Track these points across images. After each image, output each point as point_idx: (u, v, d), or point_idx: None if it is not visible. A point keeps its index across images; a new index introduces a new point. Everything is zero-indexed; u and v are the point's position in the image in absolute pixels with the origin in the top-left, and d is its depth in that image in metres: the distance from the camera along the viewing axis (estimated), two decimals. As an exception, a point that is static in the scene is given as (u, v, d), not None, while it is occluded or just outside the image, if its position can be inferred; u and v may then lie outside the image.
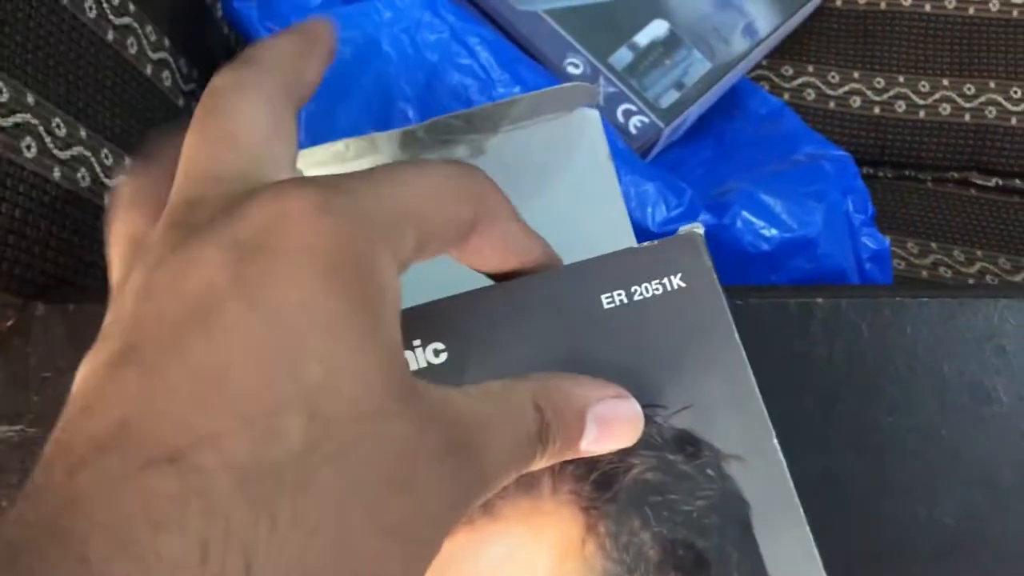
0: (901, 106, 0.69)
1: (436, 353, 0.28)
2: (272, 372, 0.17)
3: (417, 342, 0.28)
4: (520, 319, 0.28)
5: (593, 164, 0.38)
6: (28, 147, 0.37)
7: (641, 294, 0.28)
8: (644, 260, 0.29)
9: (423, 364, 0.27)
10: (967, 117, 0.68)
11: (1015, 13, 0.69)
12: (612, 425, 0.25)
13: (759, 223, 0.47)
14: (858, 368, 0.36)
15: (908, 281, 0.62)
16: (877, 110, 0.68)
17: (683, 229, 0.29)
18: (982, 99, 0.68)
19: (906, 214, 0.67)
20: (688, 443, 0.27)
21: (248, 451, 0.17)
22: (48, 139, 0.38)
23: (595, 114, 0.38)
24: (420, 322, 0.28)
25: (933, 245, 0.66)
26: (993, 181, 0.69)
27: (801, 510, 0.27)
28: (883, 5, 0.69)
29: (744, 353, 0.28)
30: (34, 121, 0.37)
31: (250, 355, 0.17)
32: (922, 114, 0.68)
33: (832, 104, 0.69)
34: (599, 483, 0.27)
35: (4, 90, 0.36)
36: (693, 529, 0.27)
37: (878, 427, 0.36)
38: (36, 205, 0.37)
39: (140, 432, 0.17)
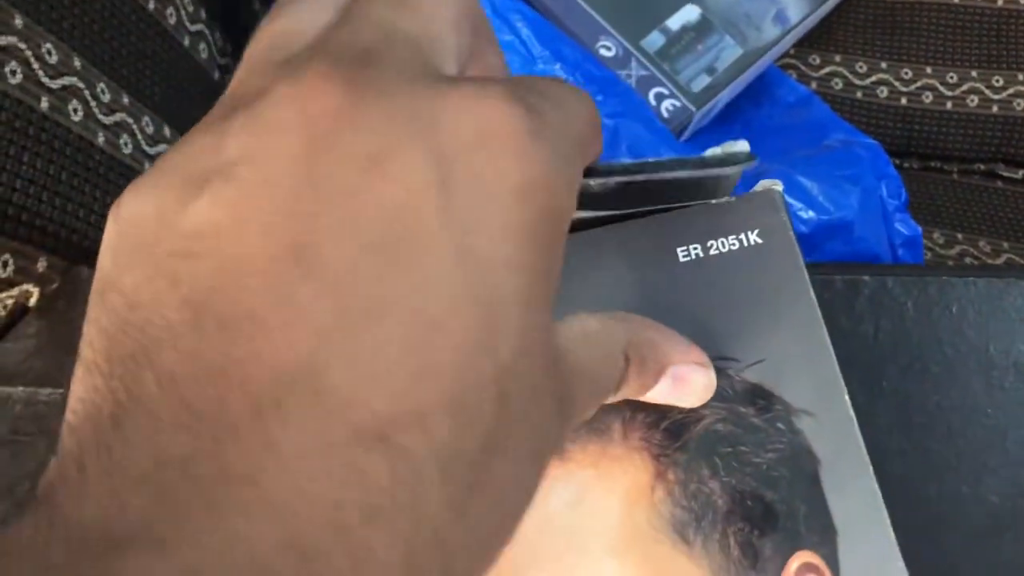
0: (928, 97, 0.68)
1: None
2: (475, 343, 0.15)
3: None
4: (595, 269, 0.28)
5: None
6: (75, 110, 0.37)
7: (717, 248, 0.28)
8: (722, 215, 0.29)
9: None
10: (995, 109, 0.68)
11: (1044, 6, 0.69)
12: (684, 386, 0.25)
13: (797, 204, 0.47)
14: (903, 346, 0.36)
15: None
16: (904, 100, 0.68)
17: (761, 184, 0.29)
18: (1010, 91, 0.68)
19: (932, 205, 0.67)
20: (759, 396, 0.28)
21: (451, 437, 0.14)
22: (94, 103, 0.38)
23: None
24: None
25: (959, 236, 0.66)
26: (1020, 173, 0.69)
27: (870, 467, 0.27)
28: (912, -4, 0.69)
29: (819, 311, 0.28)
30: (80, 85, 0.37)
31: (457, 318, 0.15)
32: (949, 105, 0.68)
33: (859, 94, 0.69)
34: (670, 431, 0.27)
35: (53, 51, 0.36)
36: (762, 481, 0.27)
37: (923, 406, 0.36)
38: (82, 170, 0.37)
39: (340, 386, 0.14)
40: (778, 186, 0.29)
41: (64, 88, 0.36)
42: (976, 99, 0.68)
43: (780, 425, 0.27)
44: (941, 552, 0.35)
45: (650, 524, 0.26)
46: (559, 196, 0.16)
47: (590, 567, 0.26)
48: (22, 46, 0.34)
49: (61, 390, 0.34)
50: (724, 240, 0.28)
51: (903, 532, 0.35)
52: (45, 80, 0.35)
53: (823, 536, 0.27)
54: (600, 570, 0.26)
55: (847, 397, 0.27)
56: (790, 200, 0.47)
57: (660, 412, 0.27)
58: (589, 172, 0.27)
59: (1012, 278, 0.37)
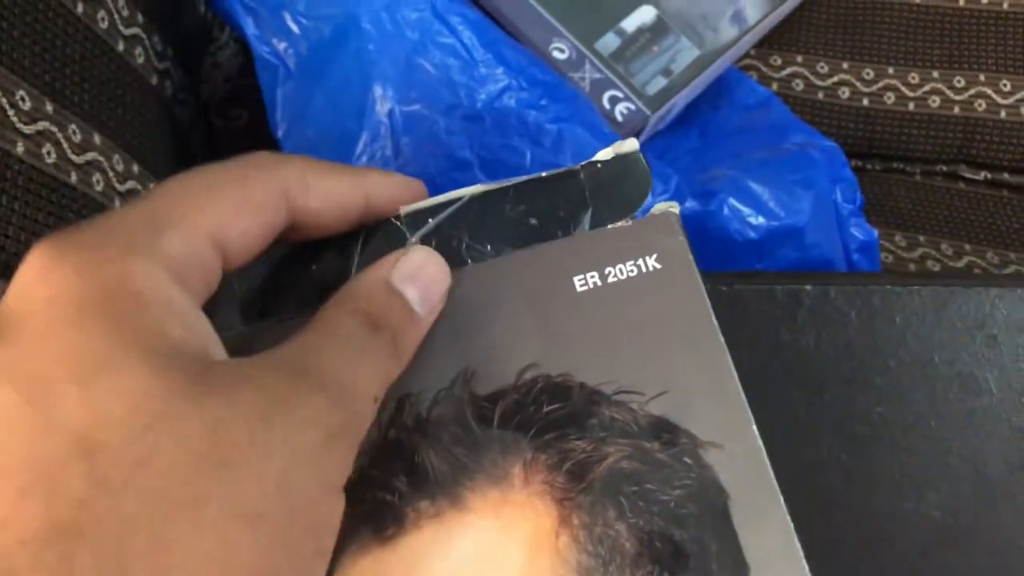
0: (890, 98, 0.68)
1: None
2: (36, 435, 0.18)
3: None
4: (488, 304, 0.27)
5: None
6: (-10, 119, 0.35)
7: (615, 276, 0.28)
8: (618, 240, 0.28)
9: None
10: (956, 110, 0.67)
11: (1006, 5, 0.68)
12: (420, 276, 0.26)
13: (746, 210, 0.46)
14: (846, 357, 0.35)
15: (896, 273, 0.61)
16: (866, 101, 0.68)
17: (657, 207, 0.28)
18: (972, 92, 0.67)
19: (894, 207, 0.66)
20: (665, 430, 0.27)
21: (40, 518, 0.17)
22: (11, 112, 0.37)
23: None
24: None
25: (921, 238, 0.65)
26: (982, 175, 0.69)
27: (781, 498, 0.26)
28: (873, -4, 0.69)
29: (722, 337, 0.27)
30: (-3, 94, 0.36)
31: (13, 429, 0.18)
32: (911, 106, 0.67)
33: (821, 95, 0.68)
34: (572, 473, 0.26)
35: (-36, 59, 0.34)
36: (670, 519, 0.26)
37: (866, 418, 0.35)
38: (7, 185, 0.36)
39: None
40: (675, 208, 0.28)
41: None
42: (938, 100, 0.68)
43: (687, 459, 0.26)
44: (883, 569, 0.34)
45: (555, 573, 0.25)
46: (94, 277, 0.20)
47: None
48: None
49: None
50: (622, 267, 0.28)
51: (844, 547, 0.34)
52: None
53: (735, 574, 0.26)
54: None
55: (755, 427, 0.27)
56: (740, 207, 0.46)
57: (562, 454, 0.26)
58: (414, 217, 0.28)
59: (957, 287, 0.36)
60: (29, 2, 0.39)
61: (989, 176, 0.68)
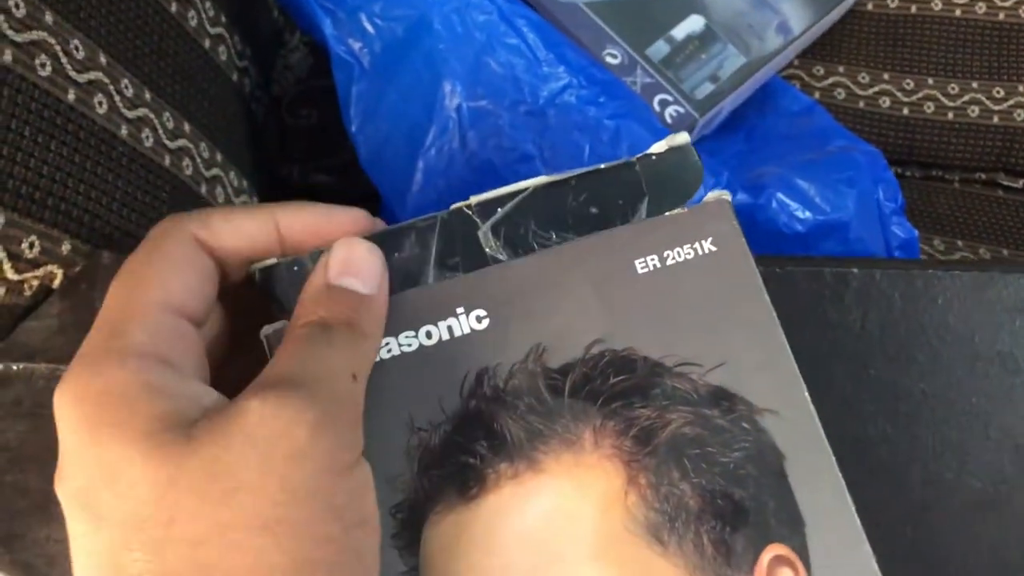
0: (930, 107, 0.70)
1: (479, 319, 0.29)
2: (95, 538, 0.23)
3: (460, 309, 0.29)
4: (556, 286, 0.30)
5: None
6: (100, 104, 0.39)
7: (673, 258, 0.30)
8: (676, 226, 0.30)
9: (466, 330, 0.29)
10: (995, 119, 0.69)
11: (1045, 19, 0.70)
12: (352, 263, 0.28)
13: (793, 204, 0.48)
14: (891, 336, 0.37)
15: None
16: (906, 111, 0.70)
17: (711, 195, 0.30)
18: (1011, 102, 0.69)
19: (933, 212, 0.68)
20: (723, 398, 0.29)
21: None
22: (118, 98, 0.40)
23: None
24: (463, 291, 0.30)
25: (960, 243, 0.67)
26: (1020, 182, 0.70)
27: (833, 458, 0.28)
28: (913, 9, 0.71)
29: (774, 312, 0.29)
30: (105, 80, 0.39)
31: (76, 536, 0.24)
32: (951, 115, 0.69)
33: (862, 104, 0.70)
34: (639, 438, 0.28)
35: (80, 47, 0.38)
36: (731, 479, 0.28)
37: (909, 393, 0.37)
38: (105, 159, 0.39)
39: None
40: (727, 196, 0.30)
41: (90, 83, 0.38)
42: (977, 110, 0.69)
43: (744, 424, 0.28)
44: (925, 535, 0.36)
45: (625, 528, 0.27)
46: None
47: (572, 574, 0.27)
48: (52, 41, 0.36)
49: (82, 368, 0.36)
50: (680, 250, 0.30)
51: (889, 515, 0.36)
52: (73, 74, 0.37)
53: (792, 528, 0.28)
54: None
55: (806, 393, 0.29)
56: (788, 201, 0.49)
57: (628, 420, 0.28)
58: (485, 207, 0.30)
59: (996, 271, 0.38)
60: (139, 6, 0.42)
61: (1028, 184, 0.70)
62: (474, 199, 0.30)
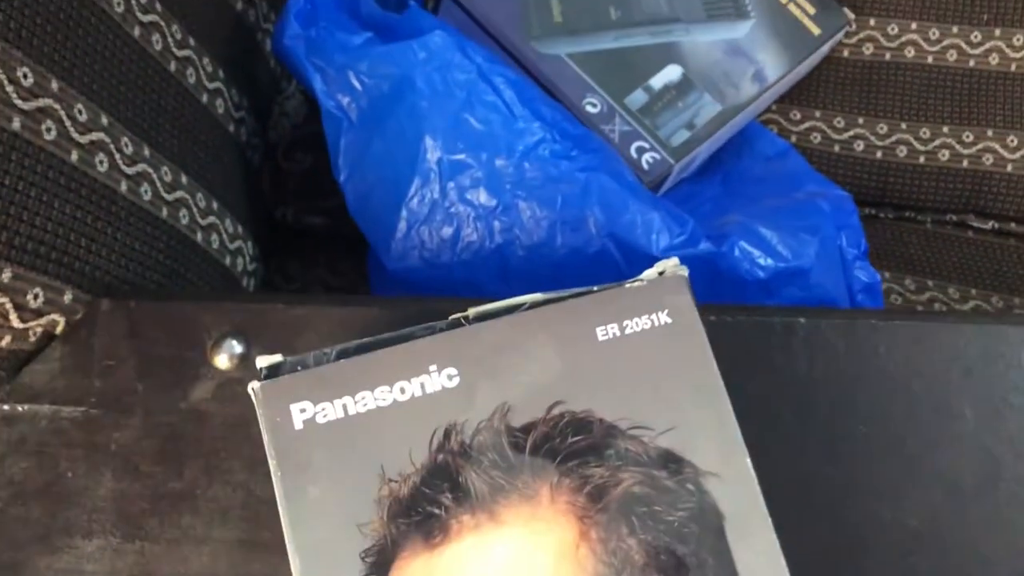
0: (903, 151, 0.72)
1: (449, 377, 0.32)
2: None
3: (433, 367, 0.32)
4: (523, 349, 0.32)
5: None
6: (101, 162, 0.42)
7: (632, 328, 0.32)
8: (635, 297, 0.32)
9: (437, 387, 0.31)
10: (965, 163, 0.72)
11: (1013, 67, 0.72)
12: None
13: (756, 252, 0.51)
14: (834, 382, 0.40)
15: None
16: (879, 154, 0.72)
17: (670, 267, 0.33)
18: (980, 146, 0.72)
19: (905, 252, 0.71)
20: (671, 461, 0.31)
21: None
22: (118, 156, 0.43)
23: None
24: (436, 349, 0.32)
25: (930, 283, 0.69)
26: (989, 224, 0.73)
27: (770, 521, 0.31)
28: (887, 56, 0.74)
29: (722, 382, 0.32)
30: (106, 139, 0.42)
31: None
32: (922, 159, 0.72)
33: (837, 147, 0.73)
34: (592, 495, 0.30)
35: (83, 111, 0.41)
36: (674, 536, 0.30)
37: (851, 436, 0.39)
38: (105, 214, 0.42)
39: None
40: (684, 271, 0.33)
41: (92, 143, 0.41)
42: (948, 153, 0.72)
43: (690, 486, 0.31)
44: (863, 572, 0.38)
45: None
46: None
47: None
48: (56, 106, 0.39)
49: (82, 408, 0.39)
50: (638, 320, 0.32)
51: (828, 552, 0.38)
52: (76, 136, 0.40)
53: None
54: None
55: (748, 460, 0.31)
56: (750, 249, 0.51)
57: (584, 477, 0.30)
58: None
59: (935, 323, 0.41)
60: (132, 59, 0.46)
61: (996, 225, 0.72)
62: (472, 311, 0.33)
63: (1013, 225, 0.72)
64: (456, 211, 0.50)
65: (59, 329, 0.39)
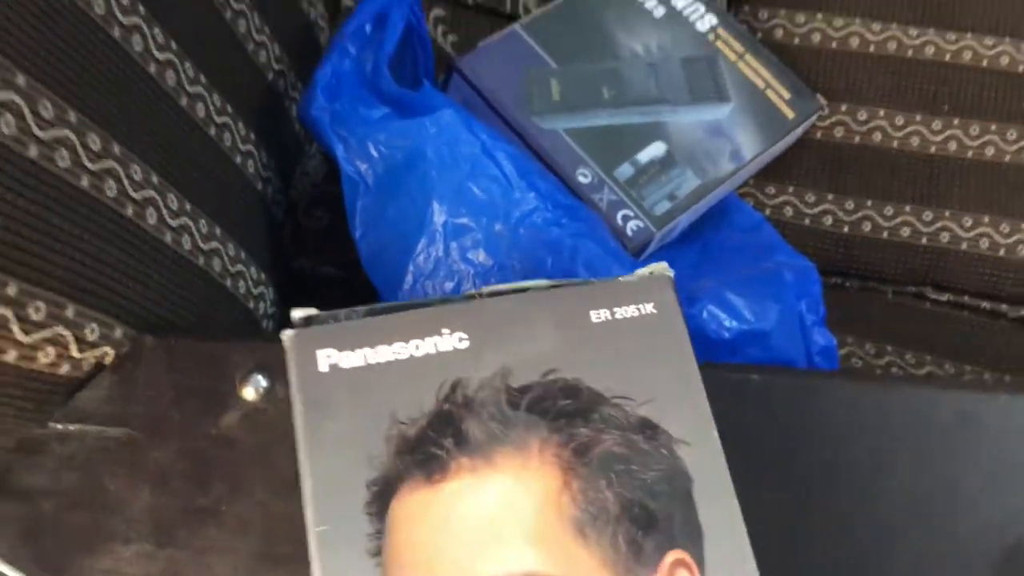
0: (867, 226, 0.79)
1: (460, 340, 0.36)
2: None
3: (446, 330, 0.36)
4: (526, 323, 0.36)
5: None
6: (150, 215, 0.48)
7: (622, 314, 0.37)
8: (625, 289, 0.38)
9: (449, 348, 0.36)
10: (924, 240, 0.78)
11: (970, 154, 0.79)
12: None
13: (723, 315, 0.57)
14: (777, 433, 0.45)
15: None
16: (846, 228, 0.79)
17: (657, 270, 0.38)
18: (938, 225, 0.78)
19: (867, 319, 0.77)
20: (648, 427, 0.35)
21: None
22: (165, 211, 0.49)
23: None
24: (450, 316, 0.36)
25: (889, 348, 0.75)
26: (945, 296, 0.79)
27: (732, 486, 0.35)
28: (856, 140, 0.80)
29: (696, 365, 0.37)
30: (156, 196, 0.49)
31: None
32: (885, 235, 0.79)
33: (807, 221, 0.79)
34: (577, 450, 0.34)
35: (139, 171, 0.47)
36: (647, 493, 0.34)
37: (794, 485, 0.45)
38: (152, 260, 0.48)
39: None
40: (669, 273, 0.38)
41: (145, 199, 0.47)
42: (908, 230, 0.79)
43: (663, 451, 0.35)
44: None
45: (557, 521, 0.33)
46: None
47: (509, 552, 0.32)
48: (118, 168, 0.45)
49: (125, 430, 0.45)
50: (627, 308, 0.37)
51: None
52: (132, 193, 0.46)
53: (693, 539, 0.34)
54: (517, 555, 0.32)
55: (715, 432, 0.36)
56: (718, 312, 0.57)
57: (571, 435, 0.34)
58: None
59: (869, 386, 0.47)
60: (181, 126, 0.52)
61: (951, 298, 0.79)
62: (486, 289, 0.38)
63: (966, 298, 0.78)
64: (457, 268, 0.56)
65: (108, 360, 0.45)
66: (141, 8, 0.48)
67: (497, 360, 0.35)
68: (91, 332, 0.44)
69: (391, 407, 0.34)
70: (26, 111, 0.39)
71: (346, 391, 0.35)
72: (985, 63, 0.80)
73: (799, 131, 0.78)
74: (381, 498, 0.33)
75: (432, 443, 0.34)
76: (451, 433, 0.34)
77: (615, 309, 0.37)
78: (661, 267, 0.38)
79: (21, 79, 0.39)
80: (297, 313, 0.36)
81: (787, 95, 0.77)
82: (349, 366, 0.35)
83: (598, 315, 0.37)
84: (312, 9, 0.75)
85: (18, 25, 0.39)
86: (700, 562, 0.34)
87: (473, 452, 0.33)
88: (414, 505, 0.33)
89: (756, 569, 0.34)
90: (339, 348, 0.35)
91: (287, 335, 0.36)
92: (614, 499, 0.34)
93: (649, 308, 0.37)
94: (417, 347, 0.36)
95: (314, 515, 0.33)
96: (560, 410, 0.35)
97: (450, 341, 0.36)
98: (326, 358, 0.35)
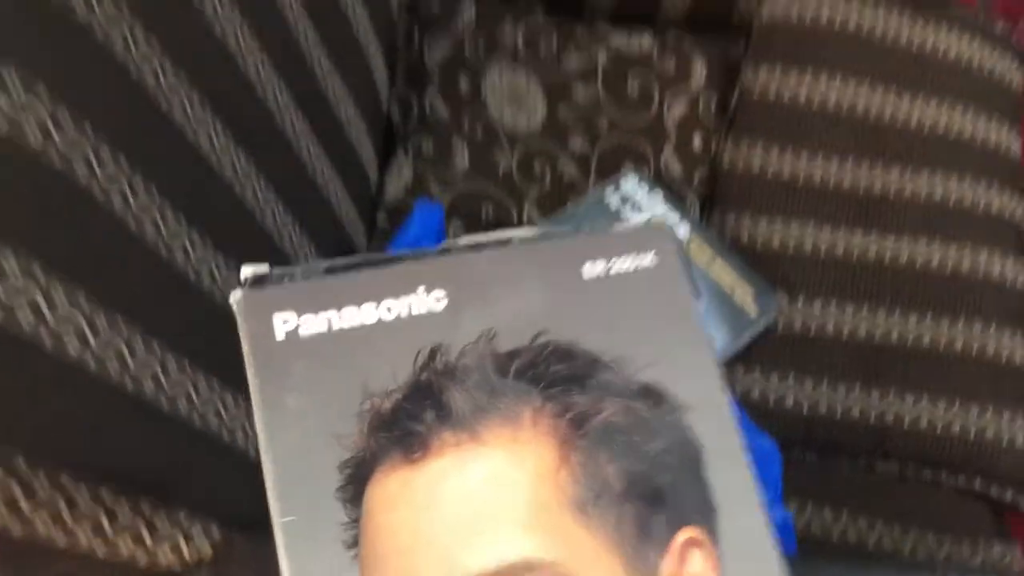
0: (824, 407, 0.92)
1: (437, 300, 0.32)
2: None
3: (422, 288, 0.32)
4: (511, 279, 0.32)
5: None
6: (243, 434, 0.61)
7: (617, 268, 0.33)
8: (622, 239, 0.33)
9: (424, 310, 0.31)
10: (872, 417, 0.91)
11: (910, 342, 0.93)
12: None
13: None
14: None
15: (809, 541, 0.83)
16: (805, 409, 0.92)
17: (656, 219, 0.35)
18: (884, 403, 0.91)
19: (825, 488, 0.89)
20: (651, 393, 0.31)
21: None
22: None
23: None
24: (426, 271, 0.32)
25: (844, 514, 0.87)
26: (893, 467, 0.91)
27: (746, 454, 0.31)
28: (813, 330, 0.94)
29: (701, 323, 0.33)
30: (245, 420, 0.62)
31: None
32: (839, 414, 0.91)
33: (771, 401, 0.92)
34: (574, 421, 0.30)
35: (229, 399, 0.60)
36: (652, 466, 0.30)
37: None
38: (244, 474, 0.61)
39: None
40: (668, 221, 0.36)
41: (241, 427, 0.60)
42: (859, 408, 0.91)
43: (668, 418, 0.31)
44: None
45: (554, 500, 0.29)
46: None
47: (501, 537, 0.28)
48: (218, 402, 0.58)
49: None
50: (624, 260, 0.33)
51: None
52: (224, 418, 0.59)
53: (704, 514, 0.31)
54: (510, 540, 0.28)
55: (726, 396, 0.32)
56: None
57: (566, 404, 0.31)
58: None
59: (819, 561, 0.58)
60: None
61: (898, 469, 0.91)
62: (463, 240, 0.33)
63: (911, 469, 0.91)
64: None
65: (207, 554, 0.57)
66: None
67: (480, 322, 0.31)
68: (195, 533, 0.56)
69: (361, 378, 0.30)
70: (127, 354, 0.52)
71: (307, 361, 0.30)
72: (919, 262, 0.94)
73: (761, 325, 0.92)
74: (355, 482, 0.30)
75: (410, 417, 0.30)
76: (431, 405, 0.30)
77: (610, 262, 0.33)
78: (659, 218, 0.36)
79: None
80: (247, 270, 0.31)
81: (751, 294, 0.91)
82: (310, 332, 0.30)
83: (592, 269, 0.33)
84: (354, 235, 0.89)
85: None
86: (715, 538, 0.31)
87: (457, 426, 0.30)
88: (393, 488, 0.29)
89: (776, 543, 0.31)
90: (298, 311, 0.31)
91: (235, 296, 0.31)
92: (617, 474, 0.30)
93: (648, 260, 0.34)
94: (389, 309, 0.31)
95: (279, 504, 0.29)
96: (553, 376, 0.31)
97: (426, 302, 0.31)
98: (283, 324, 0.30)
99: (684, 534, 0.30)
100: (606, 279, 0.33)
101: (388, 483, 0.29)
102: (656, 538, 0.30)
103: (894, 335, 0.93)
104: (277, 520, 0.29)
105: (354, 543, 0.29)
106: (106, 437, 0.48)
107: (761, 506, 0.31)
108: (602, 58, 1.04)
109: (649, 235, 0.34)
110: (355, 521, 0.29)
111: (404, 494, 0.29)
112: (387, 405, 0.30)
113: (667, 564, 0.30)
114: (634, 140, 1.00)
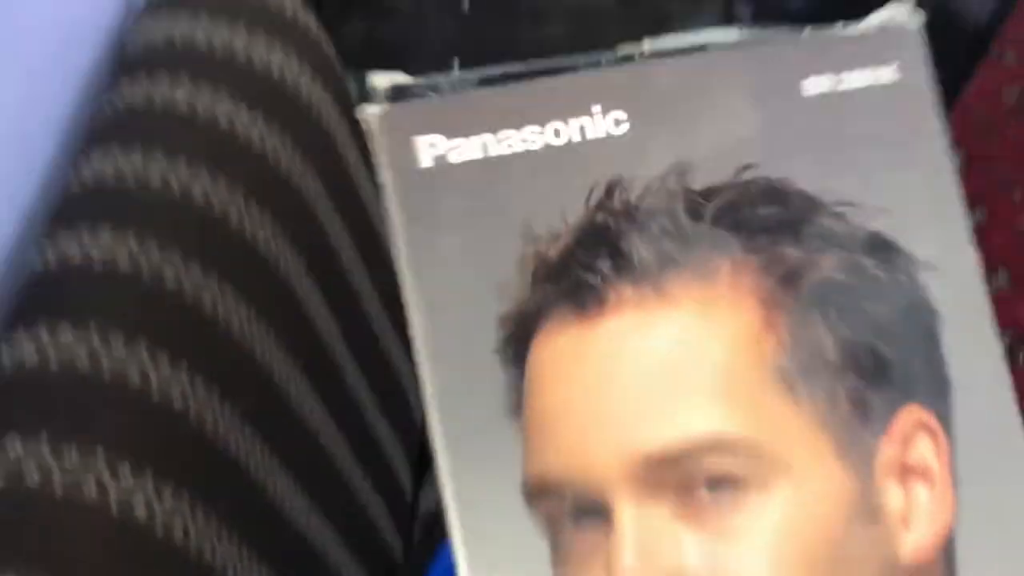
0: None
1: (616, 123, 0.27)
2: None
3: (597, 108, 0.26)
4: (710, 97, 0.27)
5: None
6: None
7: (848, 83, 0.27)
8: (856, 46, 0.27)
9: (601, 133, 0.26)
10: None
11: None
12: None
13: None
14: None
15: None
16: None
17: (898, 15, 0.27)
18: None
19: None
20: (881, 247, 0.26)
21: None
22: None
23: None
24: (602, 87, 0.27)
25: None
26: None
27: (993, 323, 0.26)
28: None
29: (952, 161, 0.27)
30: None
31: None
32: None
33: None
34: (783, 278, 0.25)
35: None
36: (877, 334, 0.25)
37: None
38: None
39: None
40: (915, 20, 0.27)
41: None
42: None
43: (901, 277, 0.26)
44: None
45: (756, 372, 0.25)
46: None
47: (688, 409, 0.25)
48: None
49: None
50: (857, 73, 0.27)
51: None
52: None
53: (936, 392, 0.26)
54: (700, 412, 0.25)
55: (974, 252, 0.27)
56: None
57: (775, 257, 0.26)
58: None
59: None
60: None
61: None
62: (648, 44, 0.28)
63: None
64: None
65: None
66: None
67: (670, 152, 0.26)
68: None
69: (524, 217, 0.26)
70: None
71: (460, 194, 0.26)
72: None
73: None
74: (517, 339, 0.26)
75: (583, 266, 0.26)
76: (608, 253, 0.26)
77: (839, 76, 0.27)
78: (901, 11, 0.28)
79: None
80: (381, 79, 0.27)
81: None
82: (461, 160, 0.27)
83: (815, 85, 0.27)
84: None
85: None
86: (946, 422, 0.26)
87: (639, 279, 0.25)
88: (562, 348, 0.26)
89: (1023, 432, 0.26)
90: (447, 135, 0.26)
91: (371, 112, 0.27)
92: (834, 344, 0.25)
93: (889, 73, 0.27)
94: (556, 132, 0.27)
95: (431, 366, 0.26)
96: (761, 222, 0.26)
97: (602, 124, 0.27)
98: (429, 148, 0.26)
99: (909, 413, 0.26)
100: (833, 97, 0.27)
101: (557, 342, 0.26)
102: (876, 419, 0.26)
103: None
104: (428, 384, 0.26)
105: (516, 409, 0.26)
106: None
107: (1009, 388, 0.26)
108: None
109: (887, 41, 0.28)
110: (517, 386, 0.26)
111: (575, 356, 0.26)
112: (555, 251, 0.26)
113: (886, 448, 0.25)
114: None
